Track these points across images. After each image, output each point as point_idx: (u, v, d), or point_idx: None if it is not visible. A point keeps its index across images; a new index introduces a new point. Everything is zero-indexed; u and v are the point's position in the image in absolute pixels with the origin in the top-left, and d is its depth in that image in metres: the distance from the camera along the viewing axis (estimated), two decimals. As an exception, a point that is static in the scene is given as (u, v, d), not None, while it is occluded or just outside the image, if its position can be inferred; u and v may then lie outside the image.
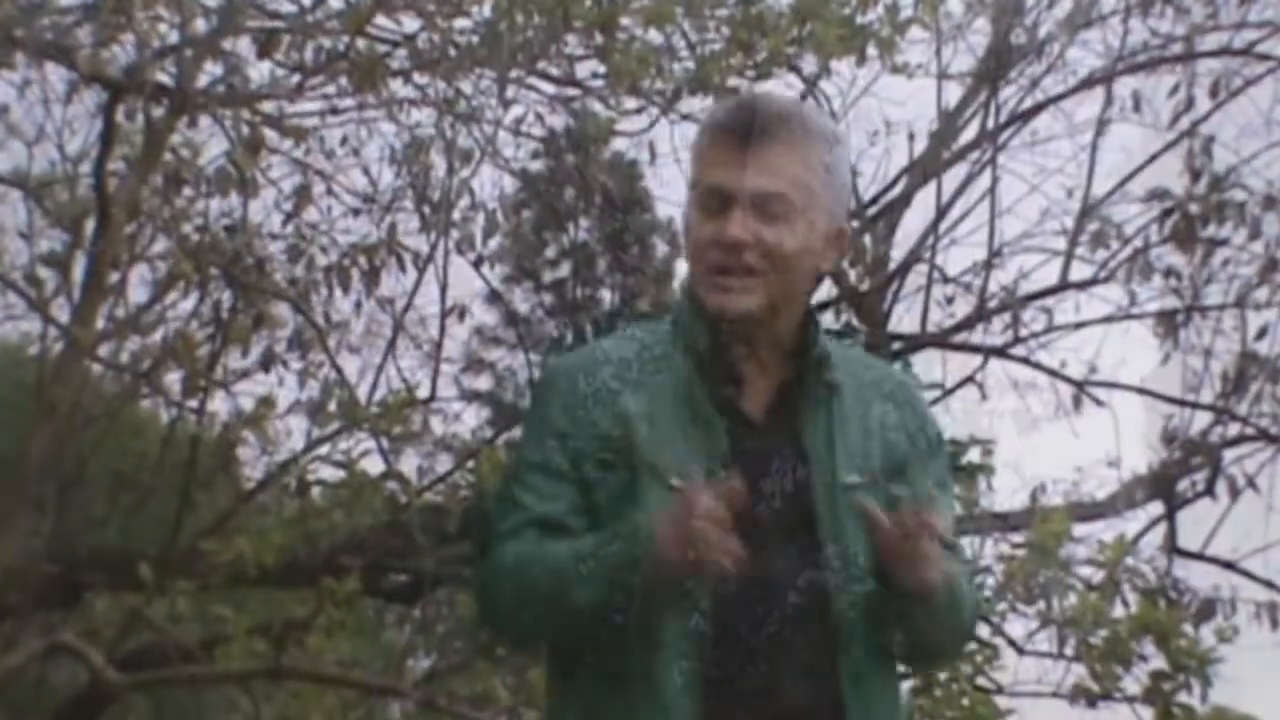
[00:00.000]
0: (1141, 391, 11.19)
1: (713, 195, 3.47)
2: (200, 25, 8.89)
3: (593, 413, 3.48)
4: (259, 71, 9.36)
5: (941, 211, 11.24)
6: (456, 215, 10.37)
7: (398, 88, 9.44)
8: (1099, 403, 11.05)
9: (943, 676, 8.44)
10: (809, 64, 10.03)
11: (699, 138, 3.61)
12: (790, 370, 3.55)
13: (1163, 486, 10.91)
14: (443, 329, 10.65)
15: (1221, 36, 11.21)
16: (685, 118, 9.18)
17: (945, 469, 3.69)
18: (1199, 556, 10.74)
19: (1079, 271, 11.11)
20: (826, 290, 11.18)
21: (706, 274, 3.48)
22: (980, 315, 11.14)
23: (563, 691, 3.62)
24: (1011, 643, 9.00)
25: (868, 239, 11.52)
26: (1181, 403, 11.12)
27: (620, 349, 3.62)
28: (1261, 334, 10.99)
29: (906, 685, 8.53)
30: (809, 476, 3.45)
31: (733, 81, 8.99)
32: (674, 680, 3.35)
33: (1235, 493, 10.78)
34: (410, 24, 9.02)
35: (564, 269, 24.66)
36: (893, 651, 3.54)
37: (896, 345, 10.92)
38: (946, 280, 11.28)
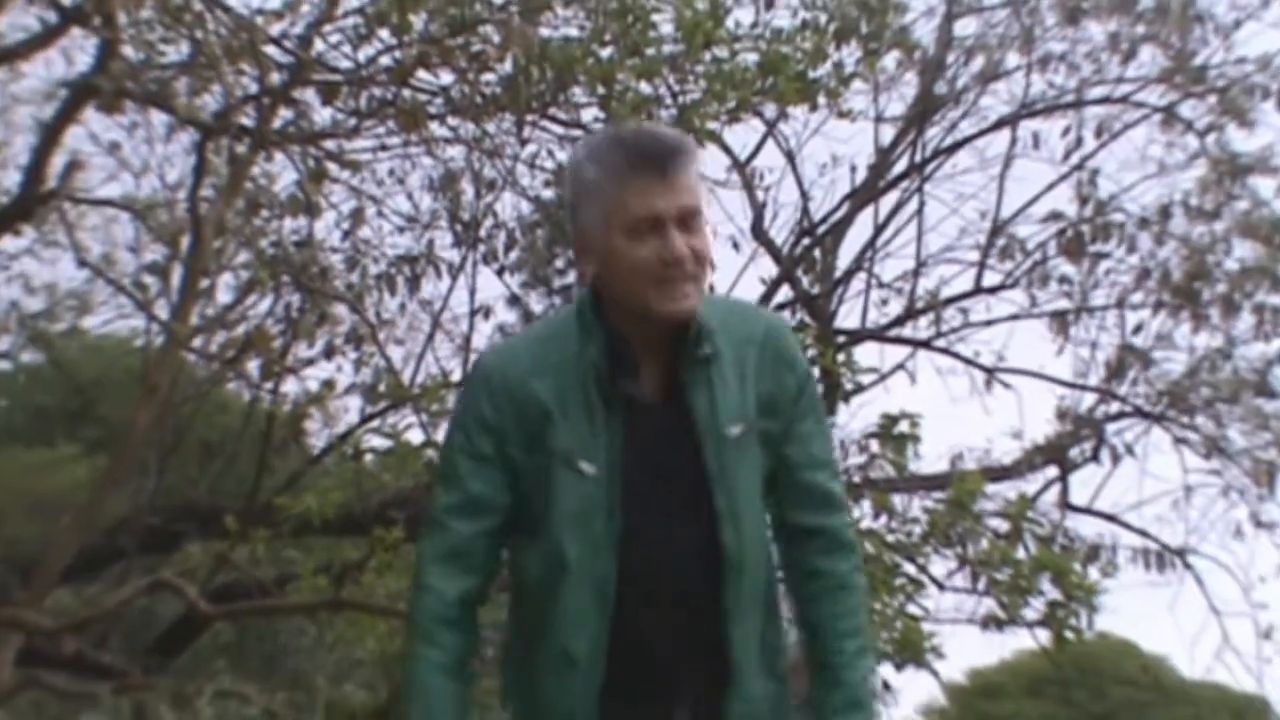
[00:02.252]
0: (1040, 376, 11.23)
1: (645, 222, 3.30)
2: (275, 78, 8.89)
3: (513, 402, 3.37)
4: (322, 116, 9.39)
5: (878, 230, 11.29)
6: (483, 232, 10.41)
7: (435, 129, 9.44)
8: (1006, 386, 11.09)
9: (877, 606, 8.44)
10: (770, 110, 10.04)
11: (612, 173, 3.33)
12: (674, 349, 3.39)
13: (1057, 454, 10.97)
14: (471, 325, 10.76)
15: (1105, 88, 11.24)
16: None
17: (813, 400, 3.51)
18: (1087, 510, 10.80)
19: (990, 279, 11.16)
20: (784, 294, 11.23)
21: (654, 286, 3.31)
22: (909, 314, 11.18)
23: (509, 645, 3.61)
24: (934, 580, 9.01)
25: (818, 252, 11.53)
26: (1072, 385, 11.18)
27: (536, 347, 3.48)
28: (1137, 330, 11.05)
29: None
30: (698, 444, 3.35)
31: (709, 125, 8.99)
32: (583, 646, 3.32)
33: (1116, 459, 10.85)
34: (446, 78, 9.03)
35: (570, 276, 24.54)
36: (778, 585, 3.48)
37: (841, 339, 10.93)
38: (882, 286, 11.33)
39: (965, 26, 11.38)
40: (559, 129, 9.61)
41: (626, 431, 3.34)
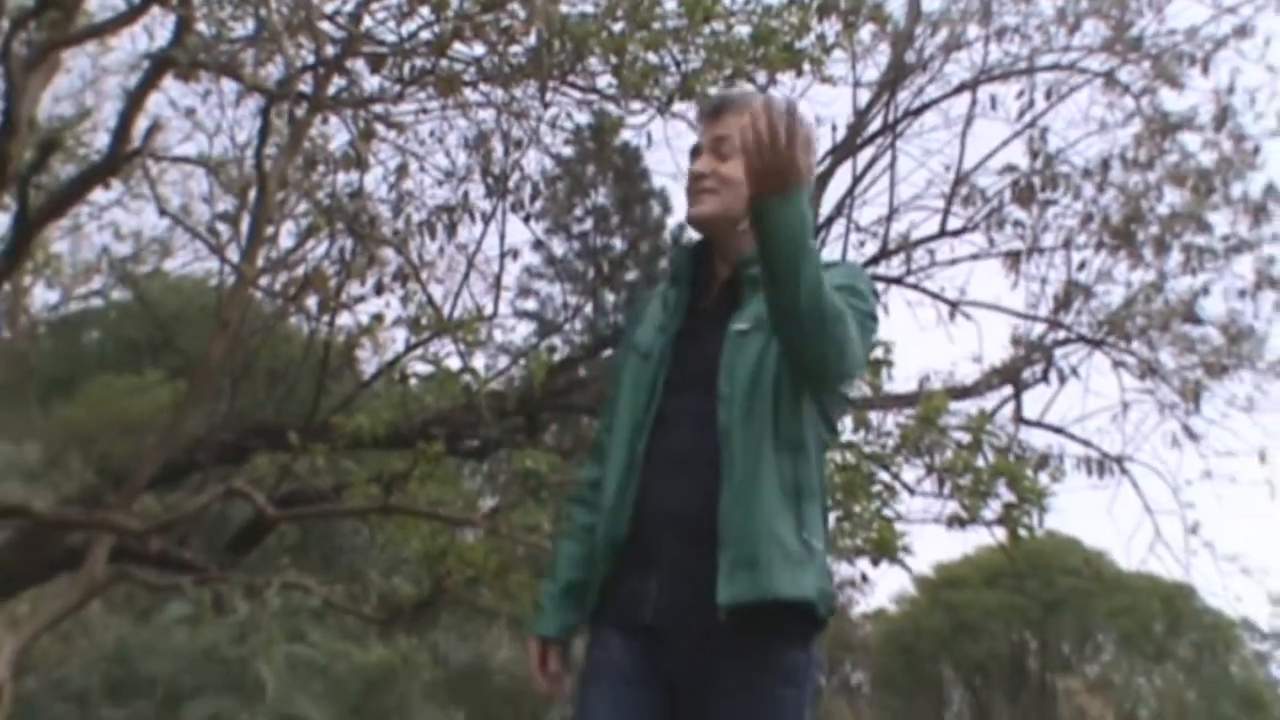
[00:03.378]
0: (997, 308, 11.22)
1: (694, 150, 3.69)
2: (329, 50, 8.85)
3: (637, 320, 3.78)
4: (371, 83, 9.36)
5: (855, 181, 11.23)
6: (511, 185, 10.38)
7: (469, 94, 9.41)
8: (968, 316, 11.07)
9: (857, 509, 8.45)
10: (761, 77, 9.98)
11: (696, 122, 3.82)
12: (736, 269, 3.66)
13: (1012, 375, 10.96)
14: (501, 266, 10.72)
15: (1054, 56, 11.18)
16: (674, 116, 9.14)
17: (851, 293, 3.51)
18: (1037, 424, 10.81)
19: (953, 223, 11.13)
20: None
21: (686, 196, 3.67)
22: (883, 254, 11.14)
23: None
24: (906, 486, 9.01)
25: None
26: (1025, 316, 11.17)
27: (665, 284, 3.82)
28: (1081, 267, 11.05)
29: (833, 518, 8.57)
30: (722, 342, 3.53)
31: (709, 90, 8.94)
32: (611, 487, 3.55)
33: (1063, 379, 10.85)
34: (478, 49, 8.98)
35: (587, 224, 24.47)
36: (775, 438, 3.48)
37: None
38: (859, 230, 11.28)
39: (931, 2, 11.34)
40: (577, 94, 9.57)
41: (682, 329, 3.62)
